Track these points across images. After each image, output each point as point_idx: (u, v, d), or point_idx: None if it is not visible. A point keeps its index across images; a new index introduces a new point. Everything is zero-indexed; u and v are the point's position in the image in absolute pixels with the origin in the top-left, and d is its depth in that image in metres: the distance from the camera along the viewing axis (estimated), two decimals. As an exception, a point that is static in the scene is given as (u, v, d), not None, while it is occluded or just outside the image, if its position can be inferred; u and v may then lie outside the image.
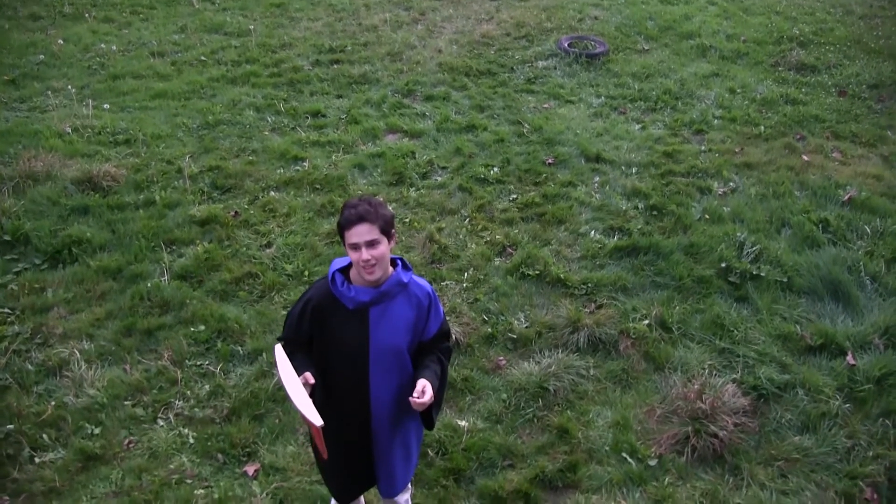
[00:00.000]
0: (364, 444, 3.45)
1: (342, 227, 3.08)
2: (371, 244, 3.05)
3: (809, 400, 5.03)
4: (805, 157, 8.14)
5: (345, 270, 3.29)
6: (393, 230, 3.16)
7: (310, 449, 4.59)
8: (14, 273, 6.11)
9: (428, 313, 3.36)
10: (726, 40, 11.72)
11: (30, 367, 5.19)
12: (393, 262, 3.28)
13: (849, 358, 5.34)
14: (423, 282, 3.38)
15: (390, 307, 3.26)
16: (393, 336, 3.27)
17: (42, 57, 10.60)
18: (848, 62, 10.93)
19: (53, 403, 4.90)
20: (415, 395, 3.15)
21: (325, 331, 3.27)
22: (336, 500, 3.77)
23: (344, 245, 3.12)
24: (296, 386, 2.99)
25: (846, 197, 7.27)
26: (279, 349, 3.10)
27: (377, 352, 3.27)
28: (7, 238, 6.39)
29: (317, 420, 2.90)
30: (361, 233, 3.04)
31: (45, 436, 4.68)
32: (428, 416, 3.44)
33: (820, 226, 6.81)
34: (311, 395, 3.03)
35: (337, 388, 3.32)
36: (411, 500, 4.08)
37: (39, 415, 4.81)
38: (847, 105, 9.55)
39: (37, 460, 4.53)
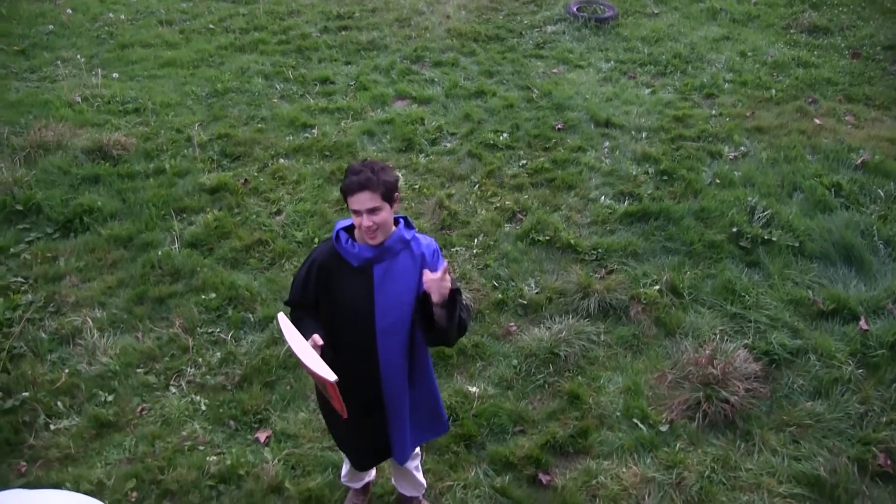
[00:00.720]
0: (377, 405, 3.45)
1: (344, 193, 3.08)
2: (372, 211, 3.05)
3: (822, 365, 5.01)
4: (817, 121, 8.05)
5: (349, 229, 3.30)
6: (396, 194, 3.15)
7: (321, 417, 4.63)
8: (27, 242, 6.14)
9: (432, 266, 3.28)
10: (737, 3, 11.57)
11: (43, 335, 5.23)
12: (395, 221, 3.27)
13: (862, 323, 5.31)
14: (427, 239, 3.36)
15: (394, 263, 3.24)
16: (398, 293, 3.26)
17: (51, 27, 10.56)
18: (862, 23, 10.77)
19: (67, 371, 4.94)
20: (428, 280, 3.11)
21: (331, 290, 3.28)
22: (354, 467, 3.76)
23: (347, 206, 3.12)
24: (304, 348, 3.01)
25: (859, 160, 7.20)
26: (282, 316, 3.12)
27: (383, 308, 3.26)
28: (19, 208, 6.41)
29: (330, 376, 2.90)
30: (363, 200, 3.03)
31: (59, 403, 4.73)
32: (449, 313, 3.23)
33: (832, 190, 6.75)
34: (321, 357, 3.03)
35: (345, 347, 3.31)
36: (421, 466, 4.10)
37: (54, 382, 4.85)
38: (860, 67, 9.42)
39: (52, 427, 4.58)
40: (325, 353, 3.08)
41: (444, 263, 3.18)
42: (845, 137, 7.72)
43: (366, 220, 3.06)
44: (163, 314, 5.49)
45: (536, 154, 7.49)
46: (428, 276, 3.11)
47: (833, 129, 7.90)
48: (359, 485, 4.07)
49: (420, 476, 4.04)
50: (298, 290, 3.35)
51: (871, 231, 6.17)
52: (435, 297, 3.10)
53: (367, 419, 3.45)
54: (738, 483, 4.27)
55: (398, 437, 3.56)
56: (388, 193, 3.08)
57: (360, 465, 3.71)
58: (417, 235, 3.33)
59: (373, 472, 4.11)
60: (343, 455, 3.94)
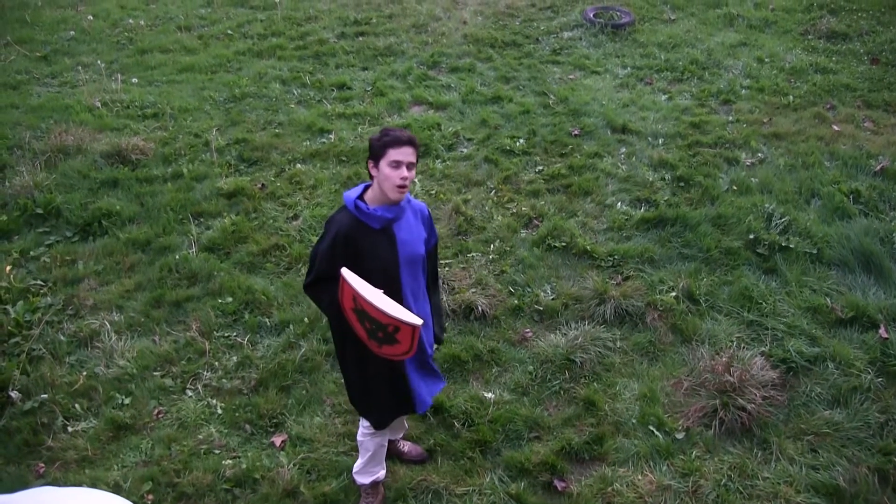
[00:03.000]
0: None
1: (388, 146, 3.36)
2: (410, 166, 3.39)
3: (840, 373, 4.97)
4: (835, 127, 8.00)
5: (360, 199, 3.55)
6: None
7: (336, 421, 4.64)
8: (46, 245, 6.20)
9: (430, 225, 3.78)
10: (754, 9, 11.53)
11: (62, 337, 5.27)
12: None
13: (881, 331, 5.26)
14: (418, 200, 3.81)
15: (405, 221, 3.60)
16: (414, 245, 3.61)
17: (72, 33, 10.68)
18: (881, 28, 10.69)
19: (85, 373, 4.98)
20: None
21: (358, 255, 3.49)
22: (377, 426, 3.87)
23: (375, 163, 3.41)
24: (381, 297, 3.27)
25: (878, 167, 7.15)
26: (346, 270, 3.32)
27: (405, 261, 3.59)
28: (39, 211, 6.47)
29: (416, 320, 3.20)
30: (408, 154, 3.37)
31: (77, 405, 4.76)
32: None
33: (851, 196, 6.70)
34: None
35: None
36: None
37: (72, 384, 4.89)
38: (880, 73, 9.35)
39: (70, 429, 4.61)
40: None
41: (436, 237, 3.80)
42: (864, 144, 7.66)
43: (405, 172, 3.37)
44: (180, 318, 5.52)
45: (553, 160, 7.48)
46: None
47: (852, 136, 7.84)
48: (369, 480, 4.10)
49: (404, 419, 4.32)
50: (325, 262, 3.53)
51: (891, 238, 6.12)
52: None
53: (395, 372, 3.69)
54: (755, 492, 4.24)
55: (418, 385, 3.80)
56: (419, 157, 3.53)
57: (382, 423, 3.85)
58: (411, 197, 3.72)
59: (383, 471, 4.16)
60: (363, 458, 4.04)
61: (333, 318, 3.61)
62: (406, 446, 4.48)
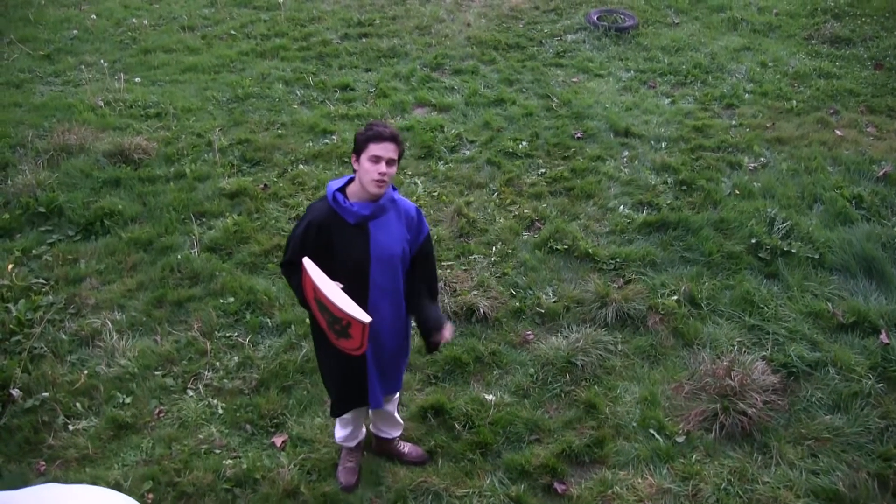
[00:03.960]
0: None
1: (370, 140, 3.40)
2: (390, 162, 3.42)
3: (841, 379, 4.97)
4: (838, 132, 8.01)
5: (342, 190, 3.59)
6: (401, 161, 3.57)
7: (337, 422, 4.65)
8: (48, 244, 6.20)
9: (418, 226, 3.73)
10: (758, 13, 11.53)
11: (64, 336, 5.28)
12: None
13: (882, 336, 5.26)
14: (408, 201, 3.74)
15: (385, 220, 3.60)
16: (389, 246, 3.61)
17: (76, 32, 10.69)
18: (885, 34, 10.69)
19: (86, 372, 4.98)
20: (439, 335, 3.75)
21: (330, 246, 3.55)
22: (332, 412, 4.08)
23: (357, 157, 3.46)
24: (335, 290, 3.31)
25: (881, 172, 7.15)
26: (307, 260, 3.37)
27: (377, 261, 3.60)
28: (42, 210, 6.48)
29: (365, 317, 3.24)
30: (388, 149, 3.40)
31: (78, 404, 4.76)
32: (434, 343, 3.87)
33: (853, 202, 6.70)
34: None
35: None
36: (398, 410, 4.39)
37: (73, 383, 4.89)
38: (883, 78, 9.35)
39: (70, 428, 4.61)
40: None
41: (427, 230, 3.76)
42: (867, 149, 7.66)
43: (383, 168, 3.39)
44: (181, 317, 5.53)
45: (555, 162, 7.49)
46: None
47: (854, 141, 7.84)
48: (353, 443, 4.29)
49: (398, 417, 4.35)
50: (297, 248, 3.59)
51: (893, 243, 6.12)
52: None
53: (353, 363, 3.73)
54: (754, 496, 4.24)
55: (373, 382, 3.87)
56: (401, 156, 3.51)
57: (339, 409, 4.02)
58: (401, 197, 3.71)
59: (363, 430, 4.34)
60: (339, 422, 4.23)
61: (299, 300, 3.70)
62: (406, 447, 4.48)
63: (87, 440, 4.52)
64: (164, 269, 5.93)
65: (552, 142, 7.82)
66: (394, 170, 3.45)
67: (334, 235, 3.55)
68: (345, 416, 4.11)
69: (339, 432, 4.26)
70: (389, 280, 3.68)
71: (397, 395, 4.23)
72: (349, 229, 3.54)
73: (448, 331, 3.77)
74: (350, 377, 3.83)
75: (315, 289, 3.34)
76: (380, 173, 3.39)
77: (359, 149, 3.45)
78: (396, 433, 4.41)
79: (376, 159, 3.39)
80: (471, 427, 4.63)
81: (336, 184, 3.60)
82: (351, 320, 3.27)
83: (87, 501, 2.68)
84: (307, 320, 5.37)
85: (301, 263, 3.41)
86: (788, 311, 5.55)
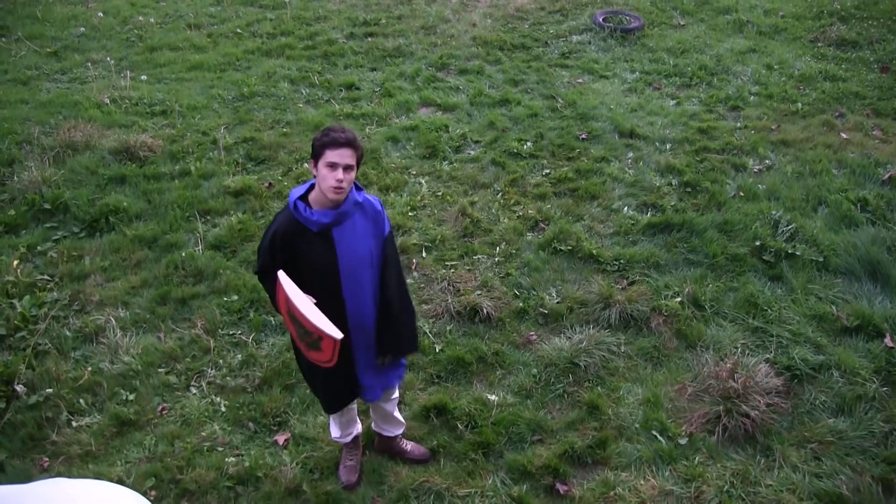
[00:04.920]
0: (345, 350, 3.62)
1: (326, 146, 3.35)
2: (347, 168, 3.37)
3: (845, 382, 4.96)
4: (844, 135, 7.99)
5: (303, 197, 3.55)
6: (361, 164, 3.58)
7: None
8: (53, 241, 6.22)
9: (381, 223, 3.68)
10: (764, 15, 11.51)
11: (68, 332, 5.29)
12: None
13: (887, 340, 5.25)
14: (373, 197, 3.70)
15: (350, 224, 3.56)
16: (357, 250, 3.59)
17: (83, 29, 10.72)
18: (892, 36, 10.66)
19: (90, 369, 4.99)
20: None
21: (296, 255, 3.53)
22: (326, 409, 4.10)
23: (314, 163, 3.42)
24: (308, 305, 3.30)
25: (886, 175, 7.13)
26: (282, 274, 3.36)
27: (346, 266, 3.58)
28: (47, 206, 6.49)
29: (337, 333, 3.23)
30: (344, 155, 3.35)
31: (81, 400, 4.78)
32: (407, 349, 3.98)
33: (858, 205, 6.69)
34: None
35: (311, 291, 3.51)
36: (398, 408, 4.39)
37: (77, 380, 4.91)
38: (889, 81, 9.33)
39: (74, 424, 4.63)
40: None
41: (387, 228, 3.72)
42: (872, 152, 7.64)
43: (340, 174, 3.34)
44: (185, 315, 5.54)
45: (560, 163, 7.48)
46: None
47: (860, 144, 7.83)
48: (349, 438, 4.29)
49: (399, 415, 4.36)
50: (266, 258, 3.61)
51: (898, 247, 6.11)
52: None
53: (339, 364, 3.59)
54: (757, 499, 4.23)
55: (367, 379, 3.92)
56: (360, 159, 3.46)
57: (331, 408, 4.03)
58: (367, 196, 3.66)
59: (358, 425, 4.36)
60: (332, 420, 4.25)
61: (276, 308, 3.69)
62: (409, 445, 4.50)
63: (90, 437, 4.53)
64: (168, 266, 5.94)
65: (557, 142, 7.82)
66: (352, 175, 3.40)
67: (299, 244, 3.52)
68: (335, 415, 4.16)
69: (334, 431, 4.29)
70: (365, 280, 3.66)
71: (397, 393, 4.25)
72: (313, 237, 3.51)
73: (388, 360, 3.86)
74: (337, 375, 3.81)
75: (288, 301, 3.32)
76: (337, 180, 3.35)
77: (316, 155, 3.40)
78: (398, 431, 4.42)
79: (333, 166, 3.35)
80: (473, 427, 4.64)
81: (298, 191, 3.56)
82: (322, 335, 3.26)
83: (92, 495, 2.70)
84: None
85: (276, 276, 3.39)
86: (792, 314, 5.54)
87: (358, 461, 4.37)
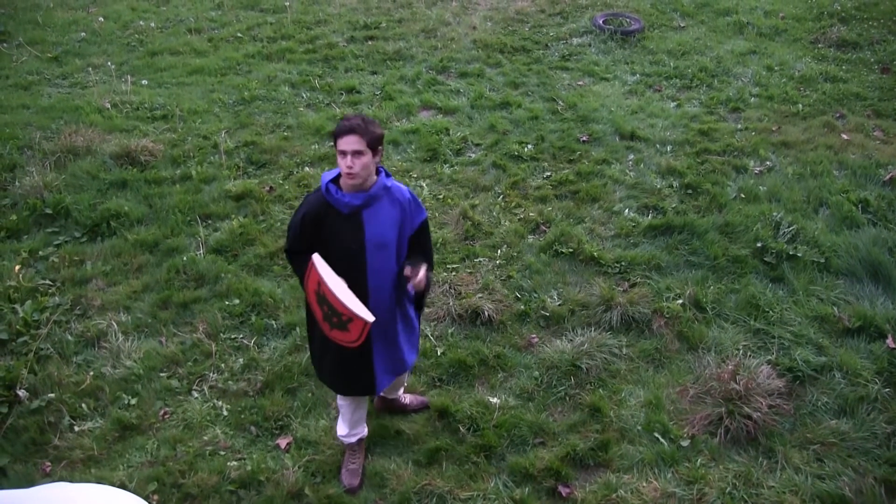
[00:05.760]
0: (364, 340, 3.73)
1: (336, 136, 3.54)
2: (356, 154, 3.50)
3: (847, 383, 4.96)
4: (845, 136, 7.99)
5: (335, 181, 3.71)
6: (380, 147, 3.62)
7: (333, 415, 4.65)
8: (55, 245, 6.22)
9: (414, 210, 3.84)
10: (764, 17, 11.51)
11: (69, 337, 5.29)
12: (377, 171, 3.72)
13: (889, 341, 5.25)
14: (402, 186, 3.85)
15: (378, 208, 3.71)
16: (384, 232, 3.73)
17: (83, 34, 10.73)
18: (892, 38, 10.65)
19: (92, 373, 5.00)
20: (410, 274, 3.73)
21: (325, 236, 3.69)
22: (344, 394, 4.15)
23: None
24: (342, 287, 3.50)
25: (887, 177, 7.13)
26: (317, 257, 3.51)
27: (372, 247, 3.71)
28: (49, 211, 6.50)
29: (369, 316, 3.42)
30: (350, 142, 3.49)
31: (83, 405, 4.78)
32: (420, 298, 4.07)
33: (859, 206, 6.69)
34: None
35: (338, 272, 3.62)
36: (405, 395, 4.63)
37: (79, 384, 4.91)
38: (890, 82, 9.33)
39: (76, 428, 4.63)
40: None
41: (424, 215, 3.88)
42: (873, 153, 7.64)
43: (348, 161, 3.51)
44: (187, 319, 5.54)
45: (561, 166, 7.49)
46: (409, 273, 3.72)
47: (861, 145, 7.82)
48: (354, 439, 4.36)
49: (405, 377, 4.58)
50: (296, 238, 3.77)
51: (899, 248, 6.10)
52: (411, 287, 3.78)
53: (356, 351, 3.79)
54: (759, 500, 4.23)
55: (379, 369, 4.01)
56: (374, 143, 3.54)
57: (341, 391, 4.12)
58: (395, 182, 3.82)
59: (365, 428, 4.42)
60: (341, 416, 4.31)
61: (302, 286, 3.78)
62: (407, 399, 4.68)
63: (92, 441, 4.54)
64: (169, 270, 5.94)
65: (557, 145, 7.82)
66: (364, 159, 3.53)
67: (329, 225, 3.67)
68: (347, 408, 4.22)
69: (341, 428, 4.34)
70: (386, 265, 3.79)
71: (404, 383, 4.47)
72: (343, 219, 3.67)
73: (420, 271, 3.74)
74: (352, 365, 3.94)
75: (321, 283, 3.45)
76: (347, 167, 3.52)
77: (334, 144, 3.58)
78: (399, 392, 4.62)
79: (342, 154, 3.52)
80: (475, 430, 4.63)
81: (329, 175, 3.71)
82: (353, 316, 3.41)
83: (94, 500, 2.69)
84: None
85: (310, 260, 3.51)
86: (794, 315, 5.54)
87: (360, 465, 4.38)
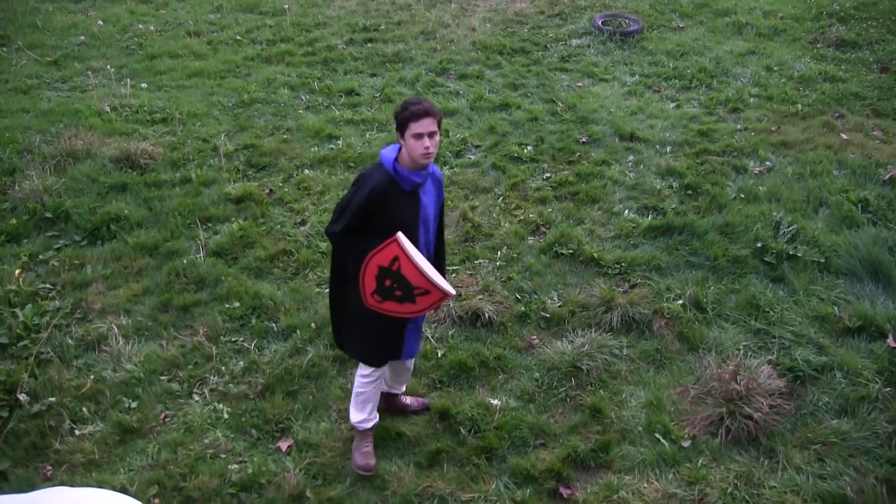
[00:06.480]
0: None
1: (409, 120, 3.68)
2: (432, 135, 3.71)
3: (848, 383, 4.96)
4: (844, 136, 7.99)
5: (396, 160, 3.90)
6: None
7: (343, 426, 4.64)
8: (55, 249, 6.22)
9: (441, 187, 4.14)
10: (763, 17, 11.52)
11: (70, 341, 5.29)
12: None
13: (889, 340, 5.25)
14: (434, 165, 4.06)
15: (429, 186, 4.00)
16: (432, 207, 4.04)
17: (83, 38, 10.73)
18: (891, 37, 10.66)
19: (92, 377, 4.99)
20: None
21: (387, 212, 3.85)
22: (374, 364, 4.24)
23: (402, 136, 3.75)
24: (427, 264, 3.74)
25: (887, 176, 7.13)
26: (401, 235, 3.65)
27: (422, 223, 3.99)
28: (49, 215, 6.50)
29: (452, 290, 3.70)
30: (427, 124, 3.69)
31: (84, 409, 4.77)
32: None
33: (859, 205, 6.69)
34: None
35: None
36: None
37: (79, 388, 4.90)
38: (889, 82, 9.33)
39: (77, 432, 4.63)
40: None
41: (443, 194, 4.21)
42: (873, 153, 7.65)
43: (427, 142, 3.69)
44: (187, 322, 5.54)
45: (560, 167, 7.49)
46: None
47: (860, 144, 7.83)
48: (369, 425, 4.46)
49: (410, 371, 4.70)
50: (356, 215, 3.84)
51: (899, 248, 6.10)
52: None
53: (393, 319, 3.99)
54: (761, 501, 4.23)
55: (410, 335, 4.25)
56: (440, 123, 3.78)
57: (373, 362, 4.23)
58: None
59: (376, 416, 4.52)
60: (360, 402, 4.40)
61: (351, 265, 3.86)
62: (408, 400, 4.75)
63: (93, 445, 4.53)
64: (169, 273, 5.94)
65: (557, 146, 7.82)
66: (437, 139, 3.74)
67: (391, 201, 3.84)
68: (370, 393, 4.34)
69: (358, 415, 4.42)
70: (428, 238, 4.10)
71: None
72: (404, 196, 3.88)
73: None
74: (388, 332, 4.13)
75: (399, 258, 3.64)
76: (425, 148, 3.70)
77: (401, 128, 3.74)
78: (402, 389, 4.74)
79: (419, 136, 3.68)
80: (476, 432, 4.63)
81: (391, 154, 3.87)
82: (432, 289, 3.66)
83: None
84: (313, 324, 5.39)
85: (395, 236, 3.65)
86: (794, 315, 5.54)
87: (373, 446, 4.46)
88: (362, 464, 4.37)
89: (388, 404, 4.75)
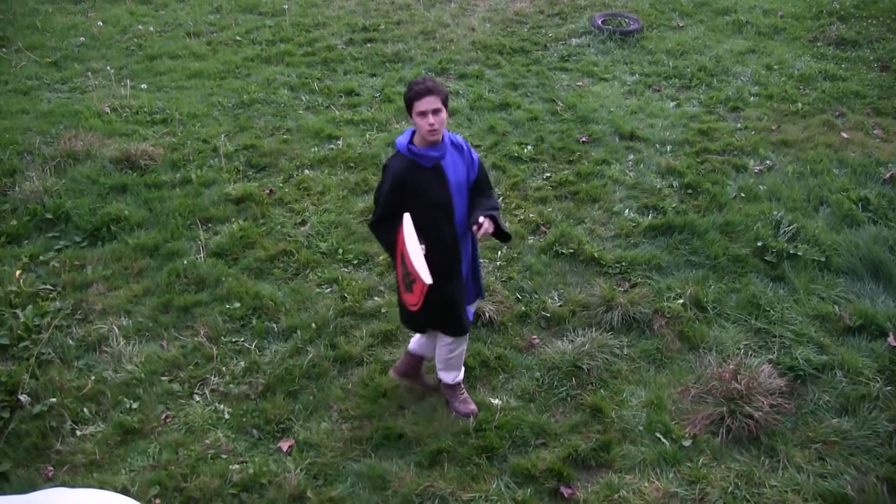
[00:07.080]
0: (457, 273, 4.32)
1: (413, 100, 3.91)
2: (436, 112, 3.90)
3: (848, 382, 4.95)
4: (844, 135, 7.99)
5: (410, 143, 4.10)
6: (448, 105, 4.00)
7: (343, 427, 4.65)
8: (55, 250, 6.23)
9: (469, 153, 4.29)
10: (763, 16, 11.51)
11: (71, 342, 5.30)
12: None
13: (890, 339, 5.24)
14: (454, 135, 4.28)
15: (450, 156, 4.15)
16: (460, 175, 4.19)
17: (82, 39, 10.74)
18: (891, 36, 10.66)
19: (93, 378, 5.00)
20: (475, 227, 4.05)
21: (414, 191, 4.05)
22: (416, 329, 4.61)
23: (410, 116, 3.97)
24: (417, 250, 3.81)
25: (888, 175, 7.13)
26: (408, 216, 3.88)
27: (455, 192, 4.16)
28: (49, 216, 6.51)
29: (428, 279, 3.73)
30: (430, 102, 3.89)
31: (85, 409, 4.78)
32: (500, 232, 4.27)
33: (860, 204, 6.68)
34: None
35: (431, 222, 4.08)
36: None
37: (80, 389, 4.91)
38: (890, 80, 9.33)
39: (78, 433, 4.63)
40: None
41: (476, 154, 4.34)
42: (873, 151, 7.64)
43: (430, 119, 3.89)
44: (188, 323, 5.54)
45: (560, 167, 7.49)
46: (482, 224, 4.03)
47: (861, 143, 7.82)
48: (462, 377, 4.75)
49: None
50: (389, 203, 4.10)
51: (900, 246, 6.10)
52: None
53: (449, 285, 4.25)
54: (762, 500, 4.23)
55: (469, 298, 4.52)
56: (446, 100, 3.97)
57: (422, 328, 4.56)
58: (453, 135, 4.25)
59: (463, 368, 4.78)
60: (451, 362, 4.64)
61: (391, 254, 4.21)
62: (425, 377, 5.00)
63: (94, 445, 4.54)
64: (170, 274, 5.94)
65: (557, 146, 7.83)
66: (442, 115, 3.92)
67: (416, 181, 4.04)
68: (457, 350, 4.58)
69: (450, 375, 4.70)
70: (465, 206, 4.24)
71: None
72: (427, 172, 4.07)
73: (485, 223, 4.03)
74: (446, 299, 4.28)
75: (402, 242, 3.84)
76: (429, 124, 3.90)
77: (408, 108, 3.97)
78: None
79: (423, 114, 3.89)
80: (477, 431, 4.63)
81: (404, 139, 4.10)
82: (416, 277, 3.76)
83: None
84: (313, 325, 5.40)
85: (401, 217, 3.88)
86: (795, 314, 5.53)
87: (467, 394, 4.83)
88: (467, 411, 4.72)
89: (409, 368, 4.90)
